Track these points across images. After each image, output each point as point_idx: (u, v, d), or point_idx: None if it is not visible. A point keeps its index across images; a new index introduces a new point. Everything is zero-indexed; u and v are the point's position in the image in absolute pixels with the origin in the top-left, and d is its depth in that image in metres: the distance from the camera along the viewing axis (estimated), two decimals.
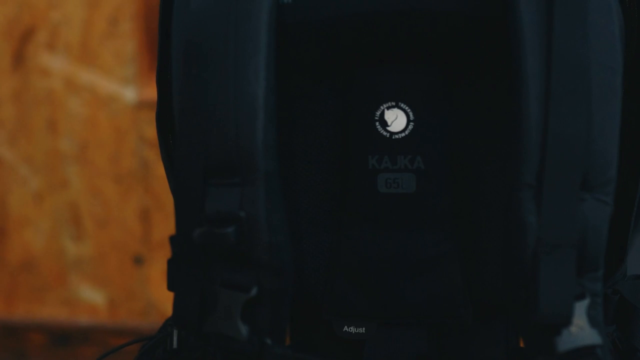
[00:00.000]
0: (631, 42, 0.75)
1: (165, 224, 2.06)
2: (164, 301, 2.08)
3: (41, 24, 2.05)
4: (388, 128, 0.77)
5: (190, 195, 0.68)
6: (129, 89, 2.05)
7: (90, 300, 2.14)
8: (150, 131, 2.05)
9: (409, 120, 0.77)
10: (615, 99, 0.65)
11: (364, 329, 0.79)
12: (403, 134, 0.77)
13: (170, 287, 0.72)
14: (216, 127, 0.66)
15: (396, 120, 0.77)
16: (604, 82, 0.64)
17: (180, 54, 0.68)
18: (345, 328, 0.79)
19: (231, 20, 0.66)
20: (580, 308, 0.64)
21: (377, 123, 0.77)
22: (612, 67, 0.65)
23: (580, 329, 0.64)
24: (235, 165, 0.65)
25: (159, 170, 2.05)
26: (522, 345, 0.68)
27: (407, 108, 0.77)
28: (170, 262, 0.73)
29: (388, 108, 0.77)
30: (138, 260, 2.09)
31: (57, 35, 2.05)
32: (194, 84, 0.67)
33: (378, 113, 0.77)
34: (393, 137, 0.77)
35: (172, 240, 0.71)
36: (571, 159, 0.63)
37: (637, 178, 0.74)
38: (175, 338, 0.72)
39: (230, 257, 0.67)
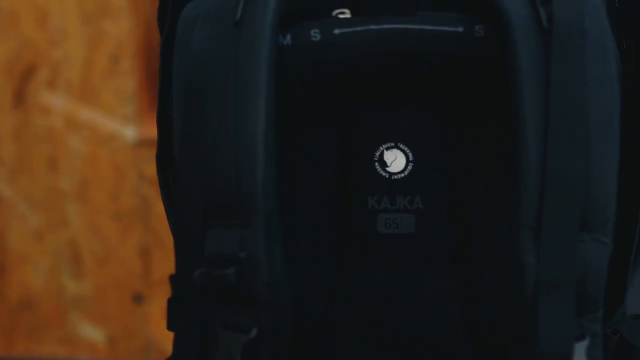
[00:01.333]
0: (628, 81, 0.75)
1: (165, 262, 2.06)
2: (164, 339, 2.08)
3: (43, 62, 2.06)
4: (388, 169, 0.77)
5: (190, 236, 0.68)
6: (129, 127, 2.06)
7: (90, 338, 2.14)
8: (151, 169, 2.05)
9: (408, 161, 0.77)
10: (613, 140, 0.65)
11: None
12: (402, 175, 0.77)
13: (170, 327, 0.72)
14: (216, 168, 0.66)
15: (396, 161, 0.77)
16: (602, 123, 0.65)
17: (181, 94, 0.68)
18: None
19: (232, 61, 0.66)
20: (581, 349, 0.64)
21: (377, 164, 0.77)
22: (610, 107, 0.65)
23: None
24: (236, 206, 0.66)
25: (159, 208, 2.05)
26: None
27: (406, 149, 0.77)
28: (170, 302, 0.73)
29: (388, 149, 0.77)
30: (138, 298, 2.09)
31: (59, 73, 2.06)
32: (194, 124, 0.67)
33: (378, 154, 0.77)
34: (393, 178, 0.77)
35: (172, 280, 0.71)
36: (570, 200, 0.63)
37: (636, 217, 0.74)
38: None
39: (230, 298, 0.67)
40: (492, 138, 0.77)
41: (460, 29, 0.71)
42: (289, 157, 0.77)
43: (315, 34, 0.71)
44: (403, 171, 0.77)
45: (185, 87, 0.68)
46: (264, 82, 0.66)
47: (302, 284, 0.79)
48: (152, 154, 2.03)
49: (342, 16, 0.74)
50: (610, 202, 0.65)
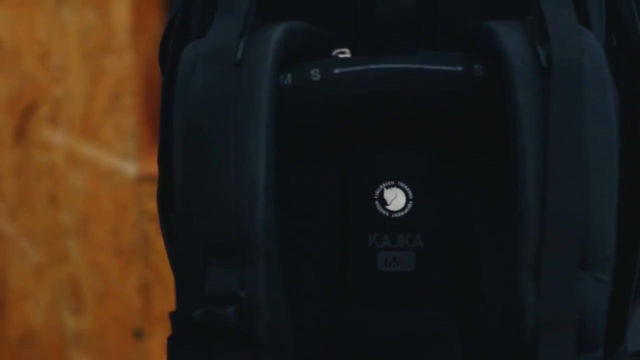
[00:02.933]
0: (626, 120, 0.76)
1: (166, 298, 2.06)
2: None
3: (43, 98, 2.07)
4: (387, 207, 0.78)
5: (190, 275, 0.68)
6: (129, 163, 2.06)
7: None
8: (151, 205, 2.06)
9: (408, 199, 0.77)
10: (612, 177, 0.65)
11: None
12: (402, 213, 0.78)
13: None
14: (217, 207, 0.66)
15: (395, 199, 0.78)
16: (601, 161, 0.65)
17: (181, 133, 0.69)
18: None
19: (232, 101, 0.67)
20: None
21: (377, 202, 0.78)
22: (608, 145, 0.66)
23: None
24: (236, 245, 0.66)
25: (159, 243, 2.05)
26: None
27: (406, 187, 0.77)
28: (170, 340, 0.73)
29: (387, 187, 0.78)
30: (138, 334, 2.09)
31: (59, 109, 2.07)
32: (194, 163, 0.67)
33: (377, 192, 0.78)
34: (392, 216, 0.78)
35: (172, 317, 0.71)
36: (569, 238, 0.64)
37: (635, 254, 0.75)
38: None
39: (230, 337, 0.67)
40: (491, 176, 0.77)
41: (459, 68, 0.71)
42: (288, 195, 0.77)
43: (315, 74, 0.72)
44: (403, 209, 0.78)
45: (185, 127, 0.68)
46: (264, 122, 0.66)
47: (301, 323, 0.79)
48: (152, 189, 2.03)
49: (342, 55, 0.74)
50: (609, 240, 0.65)
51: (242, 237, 0.65)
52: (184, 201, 0.68)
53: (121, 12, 2.03)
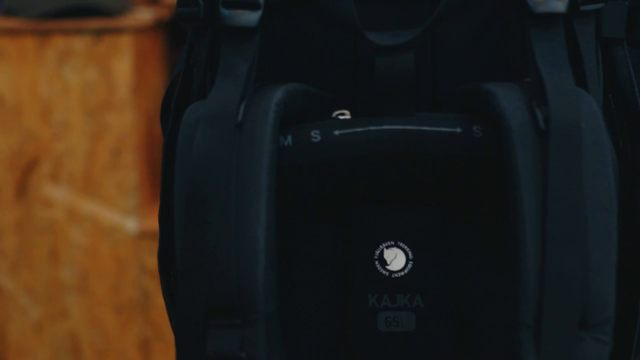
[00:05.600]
0: (624, 182, 0.76)
1: (166, 355, 2.05)
2: None
3: (45, 155, 2.08)
4: (387, 267, 0.78)
5: (191, 335, 0.68)
6: (130, 219, 2.07)
7: None
8: (151, 261, 2.06)
9: (408, 259, 0.78)
10: (610, 239, 0.65)
11: None
12: (402, 273, 0.78)
13: None
14: (217, 269, 0.66)
15: (395, 259, 0.78)
16: (599, 223, 0.65)
17: (182, 194, 0.69)
18: None
19: (233, 163, 0.67)
20: None
21: (377, 262, 0.78)
22: (607, 207, 0.66)
23: None
24: (236, 307, 0.66)
25: (159, 300, 2.05)
26: None
27: (406, 247, 0.78)
28: None
29: (387, 247, 0.78)
30: None
31: (61, 166, 2.08)
32: (195, 224, 0.68)
33: (377, 252, 0.78)
34: (392, 276, 0.78)
35: None
36: (569, 299, 0.64)
37: (635, 315, 0.75)
38: None
39: None
40: (490, 236, 0.77)
41: (458, 130, 0.72)
42: (289, 255, 0.78)
43: (316, 135, 0.72)
44: (403, 269, 0.78)
45: (186, 188, 0.68)
46: (265, 184, 0.67)
47: None
48: (153, 246, 2.03)
49: (342, 117, 0.75)
50: (609, 301, 0.65)
51: (243, 298, 0.65)
52: (185, 262, 0.68)
53: (123, 70, 2.05)
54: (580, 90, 0.69)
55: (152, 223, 2.06)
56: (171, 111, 0.80)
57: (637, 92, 0.77)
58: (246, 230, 0.66)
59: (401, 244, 0.78)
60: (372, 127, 0.73)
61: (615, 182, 0.67)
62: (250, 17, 0.72)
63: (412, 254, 0.78)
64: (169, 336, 2.03)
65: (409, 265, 0.78)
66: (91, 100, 2.06)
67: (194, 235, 0.67)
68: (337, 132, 0.73)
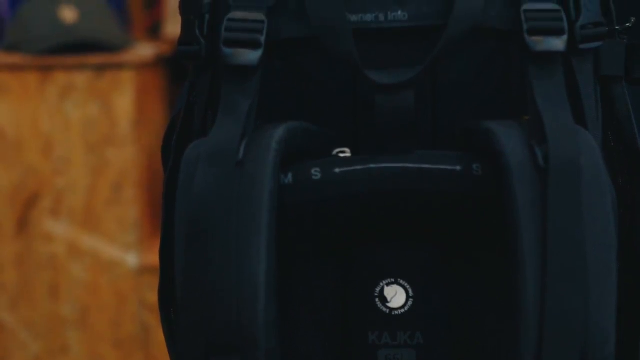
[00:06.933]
0: (624, 219, 0.76)
1: None
2: None
3: (46, 190, 2.08)
4: (388, 304, 0.78)
5: None
6: (130, 254, 2.07)
7: None
8: (151, 296, 2.05)
9: (408, 297, 0.78)
10: (610, 276, 0.66)
11: None
12: (403, 310, 0.78)
13: None
14: (218, 306, 0.66)
15: (396, 296, 0.78)
16: (599, 260, 0.65)
17: (183, 232, 0.69)
18: None
19: (233, 202, 0.67)
20: None
21: (377, 299, 0.78)
22: (606, 244, 0.66)
23: None
24: (237, 343, 0.66)
25: (159, 335, 2.04)
26: None
27: (406, 284, 0.78)
28: None
29: (388, 284, 0.78)
30: None
31: (62, 201, 2.08)
32: (196, 261, 0.68)
33: (378, 289, 0.78)
34: (393, 313, 0.78)
35: None
36: (569, 336, 0.64)
37: (635, 351, 0.75)
38: None
39: None
40: (490, 273, 0.77)
41: (458, 167, 0.72)
42: (289, 293, 0.78)
43: (316, 173, 0.73)
44: (403, 306, 0.78)
45: (187, 226, 0.68)
46: (265, 222, 0.67)
47: None
48: (153, 281, 2.03)
49: (342, 155, 0.75)
50: (609, 338, 0.65)
51: (243, 335, 0.66)
52: (186, 298, 0.68)
53: (124, 105, 2.05)
54: (579, 128, 0.70)
55: (153, 258, 2.06)
56: (172, 148, 0.80)
57: (635, 130, 0.78)
58: (247, 267, 0.66)
59: (401, 281, 0.78)
60: (372, 165, 0.73)
61: (614, 219, 0.67)
62: (251, 56, 0.73)
63: (413, 291, 0.78)
64: None
65: (410, 303, 0.78)
66: (92, 135, 2.06)
67: (194, 271, 0.67)
68: (337, 170, 0.73)
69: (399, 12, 0.76)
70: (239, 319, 0.65)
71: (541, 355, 0.64)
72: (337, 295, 0.79)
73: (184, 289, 0.68)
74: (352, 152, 0.76)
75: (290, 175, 0.72)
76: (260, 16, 0.75)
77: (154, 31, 2.42)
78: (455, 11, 0.73)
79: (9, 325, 2.11)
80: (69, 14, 2.15)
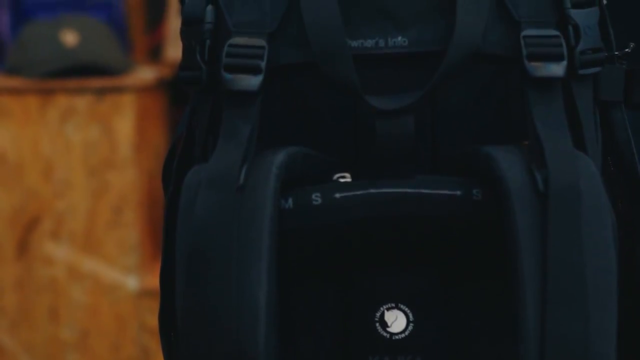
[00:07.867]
0: (624, 244, 0.76)
1: None
2: None
3: (46, 213, 2.08)
4: (388, 329, 0.78)
5: None
6: (131, 277, 2.07)
7: None
8: (152, 319, 2.05)
9: (408, 321, 0.78)
10: (611, 301, 0.66)
11: None
12: (403, 335, 0.78)
13: None
14: (218, 332, 0.66)
15: (396, 321, 0.78)
16: (599, 285, 0.65)
17: (184, 257, 0.69)
18: None
19: (234, 227, 0.67)
20: None
21: (377, 324, 0.78)
22: (606, 269, 0.66)
23: None
24: None
25: (160, 358, 2.04)
26: None
27: (406, 309, 0.78)
28: None
29: (388, 309, 0.78)
30: None
31: (62, 224, 2.08)
32: (197, 286, 0.68)
33: (378, 314, 0.78)
34: (393, 338, 0.78)
35: None
36: None
37: None
38: None
39: None
40: (491, 298, 0.77)
41: (458, 192, 0.72)
42: (290, 317, 0.78)
43: (316, 198, 0.73)
44: (403, 331, 0.78)
45: (188, 251, 0.69)
46: (266, 247, 0.67)
47: None
48: (153, 304, 2.03)
49: (342, 180, 0.75)
50: None
51: None
52: (186, 324, 0.68)
53: (124, 128, 2.06)
54: (579, 153, 0.70)
55: (153, 281, 2.06)
56: (173, 173, 0.81)
57: (635, 155, 0.78)
58: (247, 292, 0.66)
59: (402, 306, 0.78)
60: (372, 190, 0.73)
61: (614, 244, 0.67)
62: (252, 82, 0.73)
63: (413, 315, 0.78)
64: None
65: (410, 327, 0.78)
66: (93, 158, 2.07)
67: (195, 296, 0.68)
68: (337, 195, 0.73)
69: (399, 38, 0.76)
70: (239, 344, 0.66)
71: None
72: (337, 320, 0.79)
73: (184, 314, 0.69)
74: (352, 177, 0.76)
75: (290, 200, 0.73)
76: (261, 42, 0.75)
77: (154, 54, 2.43)
78: (455, 37, 0.73)
79: (9, 348, 2.11)
80: (70, 38, 2.15)
